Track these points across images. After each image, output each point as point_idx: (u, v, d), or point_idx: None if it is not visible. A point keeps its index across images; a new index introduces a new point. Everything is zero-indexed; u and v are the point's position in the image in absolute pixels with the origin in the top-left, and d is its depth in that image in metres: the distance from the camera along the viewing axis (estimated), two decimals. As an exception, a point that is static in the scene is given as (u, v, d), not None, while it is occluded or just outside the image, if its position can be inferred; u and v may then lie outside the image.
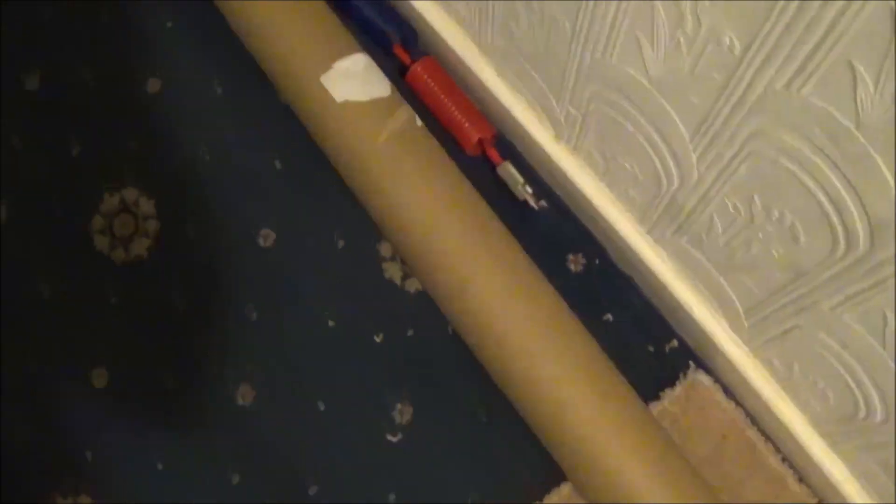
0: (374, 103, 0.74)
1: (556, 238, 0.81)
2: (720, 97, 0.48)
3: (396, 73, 0.85)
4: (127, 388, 0.82)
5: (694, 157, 0.55)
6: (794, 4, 0.39)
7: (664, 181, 0.61)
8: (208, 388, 0.81)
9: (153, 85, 0.90)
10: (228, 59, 0.86)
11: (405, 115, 0.74)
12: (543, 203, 0.83)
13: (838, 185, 0.45)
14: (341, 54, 0.77)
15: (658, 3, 0.46)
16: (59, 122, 0.90)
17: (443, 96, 0.83)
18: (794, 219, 0.50)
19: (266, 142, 0.87)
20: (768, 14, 0.40)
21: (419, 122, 0.75)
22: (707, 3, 0.43)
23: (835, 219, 0.47)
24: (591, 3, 0.53)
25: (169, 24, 0.91)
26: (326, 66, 0.76)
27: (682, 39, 0.47)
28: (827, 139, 0.43)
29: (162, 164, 0.88)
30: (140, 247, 0.86)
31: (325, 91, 0.75)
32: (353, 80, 0.76)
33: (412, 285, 0.81)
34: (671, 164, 0.58)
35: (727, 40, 0.44)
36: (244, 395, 0.81)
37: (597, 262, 0.80)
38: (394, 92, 0.76)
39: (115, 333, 0.84)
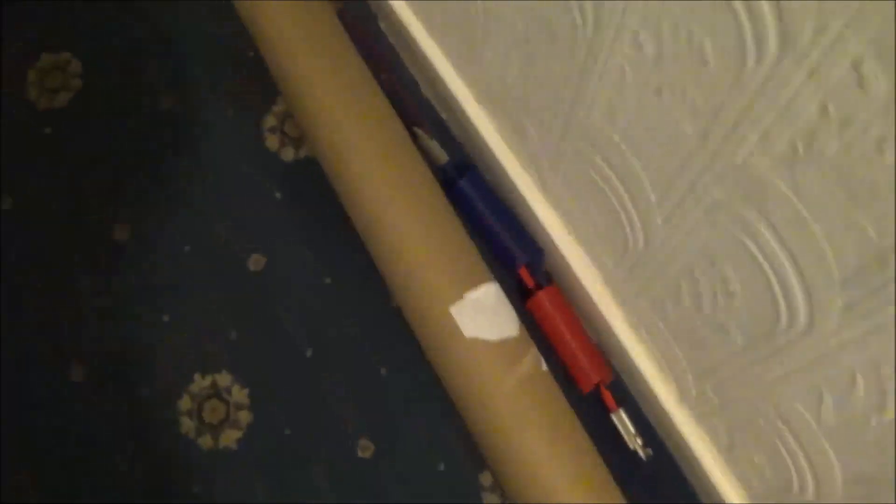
0: (503, 344, 0.76)
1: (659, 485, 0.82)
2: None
3: (517, 292, 0.86)
4: None
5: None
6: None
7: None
8: None
9: (256, 262, 0.91)
10: (341, 249, 0.90)
11: (532, 359, 0.75)
12: (650, 451, 0.82)
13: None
14: (473, 282, 0.79)
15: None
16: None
17: (565, 330, 0.85)
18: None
19: (373, 344, 0.90)
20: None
21: (544, 367, 0.76)
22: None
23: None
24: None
25: (278, 196, 0.93)
26: (457, 295, 0.79)
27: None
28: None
29: (259, 352, 0.90)
30: (230, 437, 0.86)
31: (454, 322, 0.76)
32: (483, 314, 0.79)
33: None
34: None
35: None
36: None
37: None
38: (521, 330, 0.77)
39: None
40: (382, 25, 0.99)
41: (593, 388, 0.87)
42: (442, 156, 0.91)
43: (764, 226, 0.49)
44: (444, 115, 0.95)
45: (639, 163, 0.61)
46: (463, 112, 0.88)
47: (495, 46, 0.74)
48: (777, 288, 0.52)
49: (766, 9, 0.39)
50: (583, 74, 0.61)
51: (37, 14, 1.01)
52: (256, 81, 0.95)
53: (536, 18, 0.63)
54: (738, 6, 0.41)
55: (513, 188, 0.87)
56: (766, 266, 0.52)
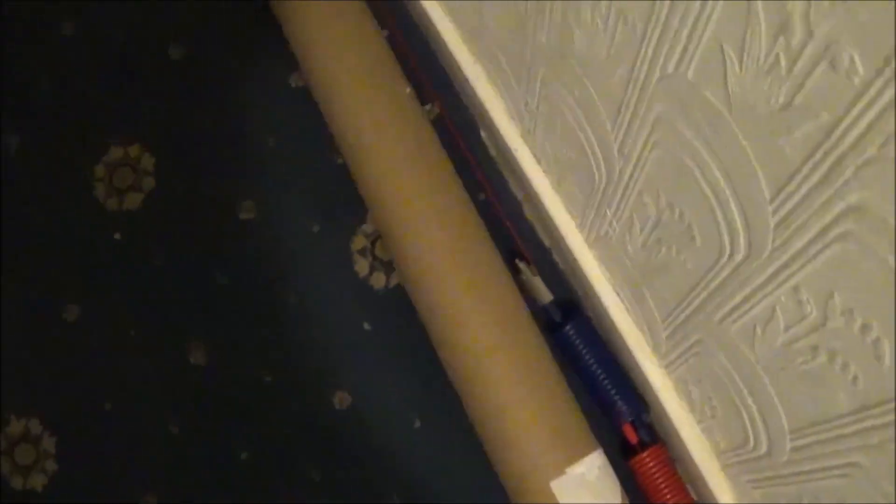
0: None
1: None
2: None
3: (617, 445, 0.84)
4: None
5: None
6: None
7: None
8: None
9: (342, 399, 0.88)
10: (432, 389, 0.87)
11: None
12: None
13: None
14: (577, 453, 0.77)
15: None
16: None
17: (667, 494, 0.81)
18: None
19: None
20: None
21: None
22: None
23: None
24: None
25: (367, 327, 0.90)
26: (560, 470, 0.76)
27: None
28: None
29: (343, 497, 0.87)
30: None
31: (553, 497, 0.73)
32: (585, 488, 0.76)
33: None
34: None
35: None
36: None
37: None
38: (624, 499, 0.75)
39: None
40: (484, 135, 0.93)
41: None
42: (546, 295, 0.86)
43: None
44: (547, 242, 0.90)
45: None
46: (570, 249, 0.83)
47: (622, 214, 0.70)
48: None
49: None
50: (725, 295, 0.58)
51: (104, 104, 0.96)
52: (344, 194, 0.90)
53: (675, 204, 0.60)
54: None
55: (619, 339, 0.82)
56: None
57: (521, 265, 0.87)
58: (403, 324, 0.87)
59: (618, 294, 0.82)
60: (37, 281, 0.92)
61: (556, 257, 0.90)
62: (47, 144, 0.96)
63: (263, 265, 0.92)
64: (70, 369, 0.90)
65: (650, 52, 0.53)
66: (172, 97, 0.97)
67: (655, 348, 0.80)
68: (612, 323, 0.83)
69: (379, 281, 0.90)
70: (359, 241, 0.91)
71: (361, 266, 0.90)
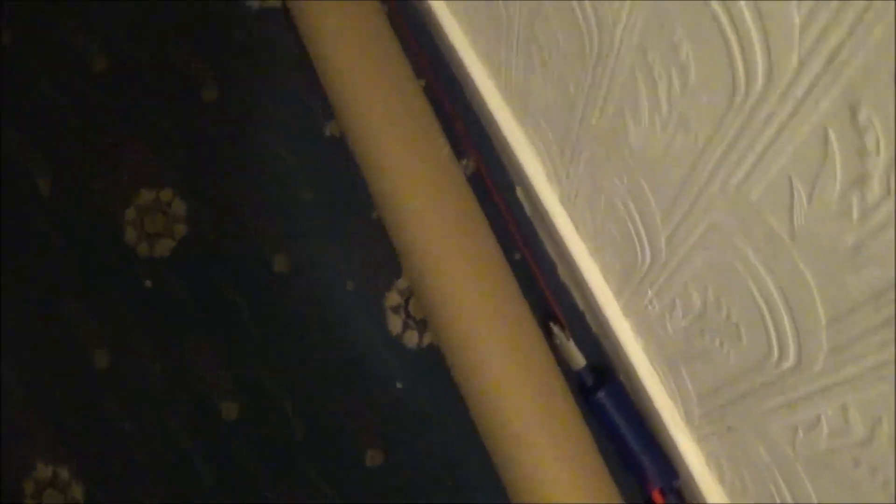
0: None
1: None
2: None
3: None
4: None
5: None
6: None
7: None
8: None
9: (373, 457, 0.90)
10: (466, 457, 0.88)
11: None
12: None
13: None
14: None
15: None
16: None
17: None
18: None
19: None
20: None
21: None
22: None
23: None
24: None
25: (399, 385, 0.91)
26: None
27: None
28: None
29: None
30: None
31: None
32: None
33: None
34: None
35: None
36: None
37: None
38: None
39: None
40: (520, 193, 0.93)
41: None
42: (579, 359, 0.87)
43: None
44: (581, 305, 0.91)
45: None
46: (605, 316, 0.84)
47: (664, 296, 0.70)
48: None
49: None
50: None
51: (136, 146, 0.97)
52: (379, 250, 0.91)
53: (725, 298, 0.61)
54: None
55: (652, 408, 0.83)
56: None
57: (556, 329, 0.87)
58: (436, 383, 0.88)
59: (653, 365, 0.82)
60: (67, 327, 0.93)
61: (589, 320, 0.91)
62: (79, 186, 0.97)
63: (296, 320, 0.92)
64: (99, 416, 0.91)
65: (711, 165, 0.53)
66: (204, 141, 0.98)
67: (688, 421, 0.81)
68: (644, 392, 0.83)
69: (412, 339, 0.91)
70: (392, 298, 0.92)
71: (395, 323, 0.91)
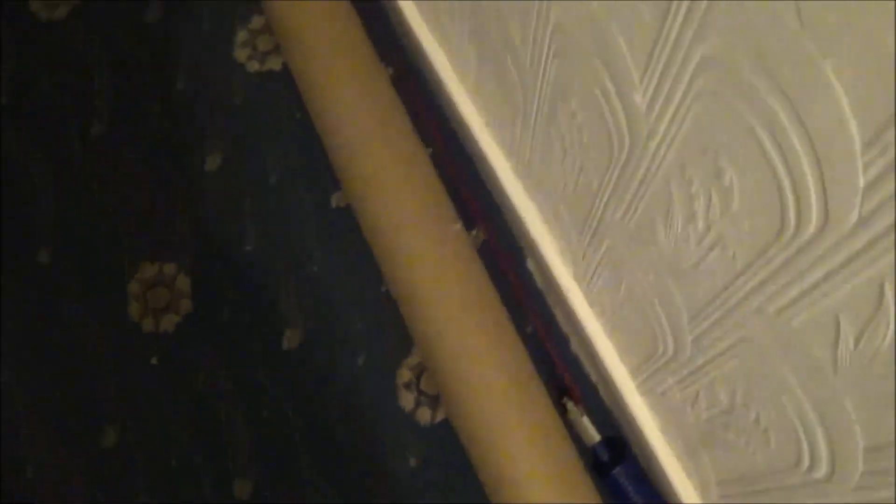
0: None
1: None
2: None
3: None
4: None
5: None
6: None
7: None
8: None
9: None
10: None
11: None
12: None
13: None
14: None
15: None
16: None
17: None
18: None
19: None
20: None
21: None
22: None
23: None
24: None
25: (412, 463, 0.91)
26: None
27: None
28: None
29: None
30: None
31: None
32: None
33: None
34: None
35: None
36: None
37: None
38: None
39: None
40: (530, 265, 0.93)
41: None
42: (593, 435, 0.87)
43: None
44: (593, 377, 0.91)
45: None
46: (619, 392, 0.84)
47: (686, 388, 0.71)
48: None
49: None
50: None
51: (136, 218, 0.96)
52: (390, 325, 0.91)
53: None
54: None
55: (667, 483, 0.83)
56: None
57: (570, 405, 0.88)
58: (450, 460, 0.88)
59: (669, 444, 0.83)
60: (73, 402, 0.91)
61: (602, 393, 0.91)
62: (79, 258, 0.95)
63: (307, 397, 0.91)
64: (108, 495, 0.89)
65: (748, 287, 0.53)
66: (207, 212, 0.97)
67: (704, 498, 0.81)
68: (660, 467, 0.84)
69: (425, 416, 0.90)
70: (404, 374, 0.91)
71: (406, 400, 0.91)
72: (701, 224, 0.55)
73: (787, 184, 0.44)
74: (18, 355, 0.92)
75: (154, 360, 0.92)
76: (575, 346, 0.92)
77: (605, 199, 0.69)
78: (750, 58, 0.42)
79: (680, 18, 0.46)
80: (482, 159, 0.92)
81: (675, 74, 0.49)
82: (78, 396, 0.91)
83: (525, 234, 0.89)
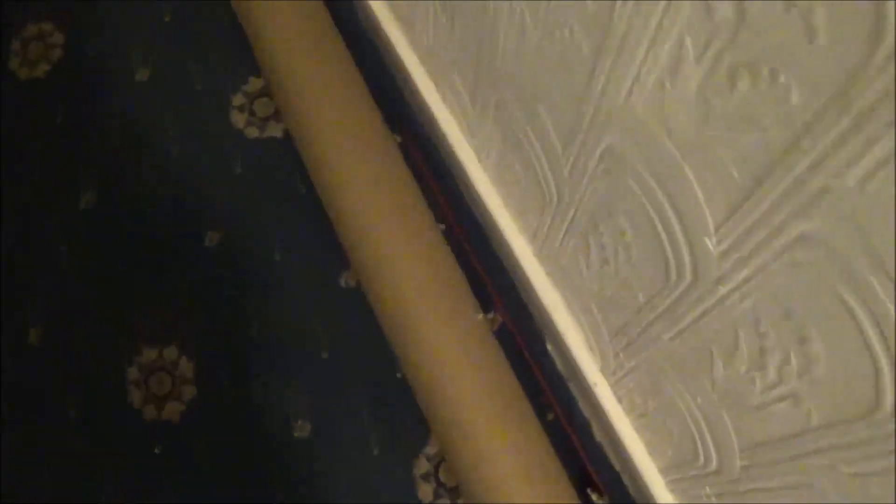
0: None
1: None
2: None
3: None
4: None
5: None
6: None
7: None
8: None
9: None
10: None
11: None
12: None
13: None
14: None
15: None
16: None
17: None
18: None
19: None
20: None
21: None
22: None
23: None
24: None
25: None
26: None
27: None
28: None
29: None
30: None
31: None
32: None
33: None
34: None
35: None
36: None
37: None
38: None
39: None
40: (550, 348, 0.91)
41: None
42: (618, 529, 0.86)
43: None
44: (617, 466, 0.89)
45: None
46: (648, 489, 0.82)
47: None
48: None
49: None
50: None
51: (135, 295, 0.91)
52: (406, 411, 0.88)
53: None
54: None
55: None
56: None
57: (594, 497, 0.86)
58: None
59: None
60: (71, 496, 0.87)
61: (626, 482, 0.89)
62: (73, 338, 0.90)
63: (318, 489, 0.88)
64: None
65: (820, 444, 0.52)
66: (209, 292, 0.92)
67: None
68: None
69: (443, 509, 0.88)
70: (422, 465, 0.89)
71: (425, 492, 0.88)
72: (772, 375, 0.54)
73: (882, 360, 0.43)
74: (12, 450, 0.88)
75: (157, 450, 0.88)
76: (597, 433, 0.90)
77: (650, 319, 0.67)
78: (857, 247, 0.40)
79: (779, 191, 0.44)
80: (500, 239, 0.90)
81: (764, 238, 0.47)
82: (77, 487, 0.87)
83: (548, 321, 0.87)
